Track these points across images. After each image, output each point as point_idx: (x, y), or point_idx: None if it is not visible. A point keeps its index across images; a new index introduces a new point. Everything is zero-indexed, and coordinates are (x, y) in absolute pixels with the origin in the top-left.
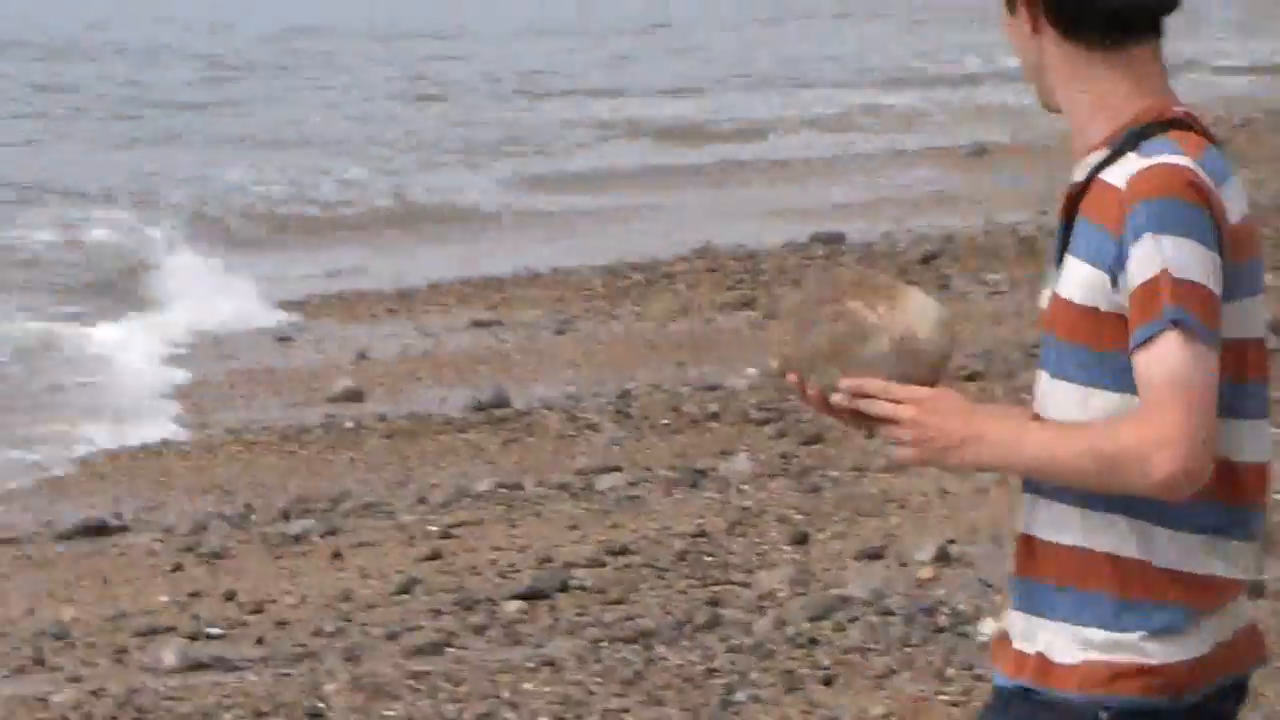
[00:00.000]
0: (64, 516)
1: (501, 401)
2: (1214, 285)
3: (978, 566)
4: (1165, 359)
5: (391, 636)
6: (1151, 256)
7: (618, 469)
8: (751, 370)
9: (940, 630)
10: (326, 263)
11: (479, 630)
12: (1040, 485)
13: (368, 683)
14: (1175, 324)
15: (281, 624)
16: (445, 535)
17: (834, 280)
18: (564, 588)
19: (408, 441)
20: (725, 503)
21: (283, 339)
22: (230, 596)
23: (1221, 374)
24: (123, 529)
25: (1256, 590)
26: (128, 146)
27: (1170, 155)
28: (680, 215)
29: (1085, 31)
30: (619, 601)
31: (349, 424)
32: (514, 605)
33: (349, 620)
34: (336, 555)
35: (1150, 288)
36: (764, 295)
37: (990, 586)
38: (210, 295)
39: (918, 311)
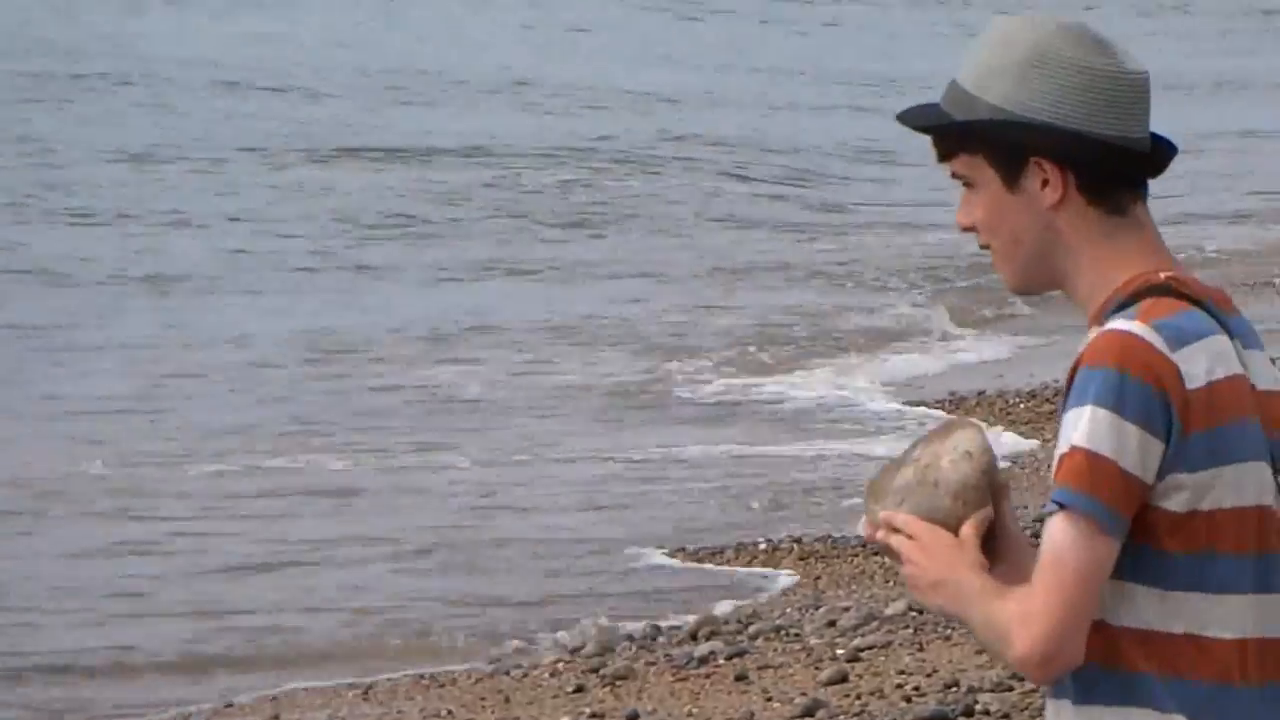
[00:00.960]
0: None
1: None
2: (1130, 463)
3: None
4: (1048, 539)
5: None
6: (1068, 431)
7: None
8: None
9: None
10: None
11: None
12: None
13: None
14: (1061, 506)
15: None
16: (853, 659)
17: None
18: (969, 713)
19: (820, 564)
20: None
21: None
22: (632, 718)
23: (1221, 546)
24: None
25: None
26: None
27: (1120, 322)
28: None
29: (1115, 193)
30: None
31: (762, 544)
32: None
33: None
34: (741, 677)
35: (1058, 464)
36: None
37: None
38: None
39: (952, 442)
